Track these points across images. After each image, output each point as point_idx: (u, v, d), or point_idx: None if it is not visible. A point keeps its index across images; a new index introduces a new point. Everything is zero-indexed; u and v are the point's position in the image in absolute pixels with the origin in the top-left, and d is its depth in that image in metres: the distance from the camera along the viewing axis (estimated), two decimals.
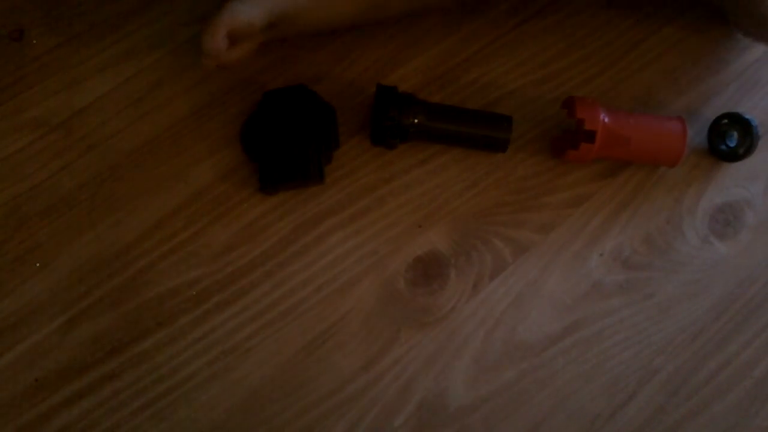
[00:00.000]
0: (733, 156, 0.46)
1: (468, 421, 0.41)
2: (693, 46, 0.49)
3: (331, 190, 0.45)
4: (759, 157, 0.47)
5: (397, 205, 0.45)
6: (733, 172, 0.47)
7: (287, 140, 0.42)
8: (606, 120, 0.43)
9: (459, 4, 0.46)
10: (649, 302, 0.44)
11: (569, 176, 0.46)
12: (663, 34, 0.49)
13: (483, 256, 0.44)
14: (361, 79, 0.47)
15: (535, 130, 0.47)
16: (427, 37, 0.48)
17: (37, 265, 0.42)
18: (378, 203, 0.45)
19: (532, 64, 0.48)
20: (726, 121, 0.46)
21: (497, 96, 0.47)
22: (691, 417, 0.43)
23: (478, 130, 0.43)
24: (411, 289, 0.43)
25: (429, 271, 0.44)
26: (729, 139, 0.46)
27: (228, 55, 0.40)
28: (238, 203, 0.44)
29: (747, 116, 0.45)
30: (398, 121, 0.42)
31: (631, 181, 0.46)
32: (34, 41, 0.46)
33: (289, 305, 0.42)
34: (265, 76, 0.46)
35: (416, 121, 0.43)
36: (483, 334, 0.43)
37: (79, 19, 0.47)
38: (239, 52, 0.41)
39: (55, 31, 0.46)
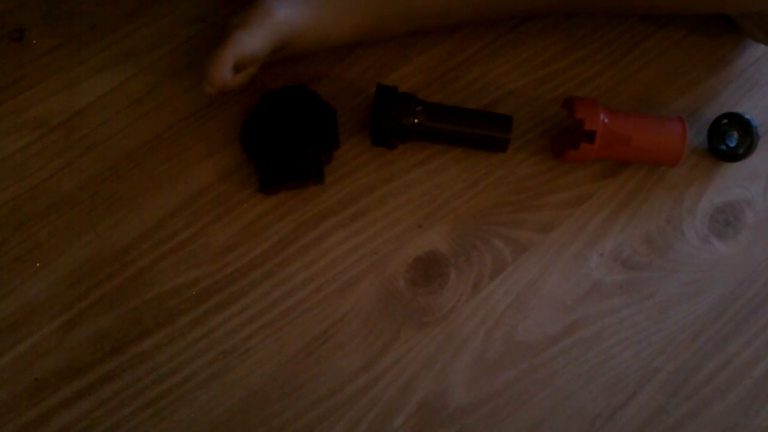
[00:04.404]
0: (733, 156, 0.46)
1: (468, 421, 0.41)
2: (693, 46, 0.49)
3: (331, 190, 0.45)
4: (759, 157, 0.47)
5: (397, 205, 0.45)
6: (733, 172, 0.47)
7: (287, 140, 0.42)
8: (606, 120, 0.43)
9: (456, 25, 0.46)
10: (649, 302, 0.44)
11: (569, 176, 0.46)
12: (663, 34, 0.49)
13: (483, 256, 0.44)
14: (361, 79, 0.47)
15: (535, 130, 0.47)
16: (427, 37, 0.48)
17: (37, 265, 0.42)
18: (378, 203, 0.45)
19: (532, 64, 0.48)
20: (726, 121, 0.46)
21: (497, 96, 0.47)
22: (691, 417, 0.43)
23: (478, 130, 0.43)
24: (411, 289, 0.43)
25: (429, 271, 0.44)
26: (729, 139, 0.46)
27: (231, 82, 0.39)
28: (238, 203, 0.44)
29: (747, 116, 0.45)
30: (398, 121, 0.42)
31: (631, 181, 0.46)
32: (34, 41, 0.46)
33: (289, 305, 0.42)
34: (265, 76, 0.46)
35: (416, 121, 0.43)
36: (483, 334, 0.43)
37: (79, 19, 0.47)
38: (242, 78, 0.41)
39: (55, 31, 0.46)
